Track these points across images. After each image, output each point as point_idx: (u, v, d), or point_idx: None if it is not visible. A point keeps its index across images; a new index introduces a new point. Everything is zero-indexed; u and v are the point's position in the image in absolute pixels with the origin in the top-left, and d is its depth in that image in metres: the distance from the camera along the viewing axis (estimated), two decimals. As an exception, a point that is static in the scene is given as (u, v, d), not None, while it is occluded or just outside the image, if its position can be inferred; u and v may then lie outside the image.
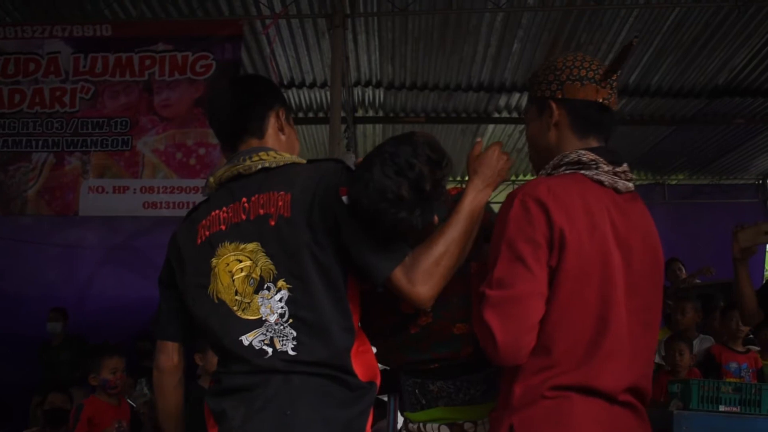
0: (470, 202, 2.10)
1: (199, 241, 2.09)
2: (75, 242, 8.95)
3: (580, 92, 2.06)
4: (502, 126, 9.34)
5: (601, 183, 2.00)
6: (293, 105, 8.85)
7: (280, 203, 1.99)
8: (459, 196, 2.15)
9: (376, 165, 1.85)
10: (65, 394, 5.63)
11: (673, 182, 10.94)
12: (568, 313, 1.87)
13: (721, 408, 4.56)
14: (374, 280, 1.94)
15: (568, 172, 2.02)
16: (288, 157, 2.13)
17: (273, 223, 1.98)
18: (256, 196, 2.04)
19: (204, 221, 2.11)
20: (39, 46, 6.23)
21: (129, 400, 5.46)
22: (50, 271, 9.03)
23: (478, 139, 2.35)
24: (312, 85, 8.31)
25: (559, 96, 2.07)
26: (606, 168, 2.01)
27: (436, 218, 2.04)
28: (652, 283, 2.03)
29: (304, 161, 2.14)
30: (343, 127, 8.56)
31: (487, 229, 2.22)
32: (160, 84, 6.12)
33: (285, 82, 8.20)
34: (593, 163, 2.01)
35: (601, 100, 2.07)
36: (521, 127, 9.21)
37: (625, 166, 2.06)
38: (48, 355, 7.81)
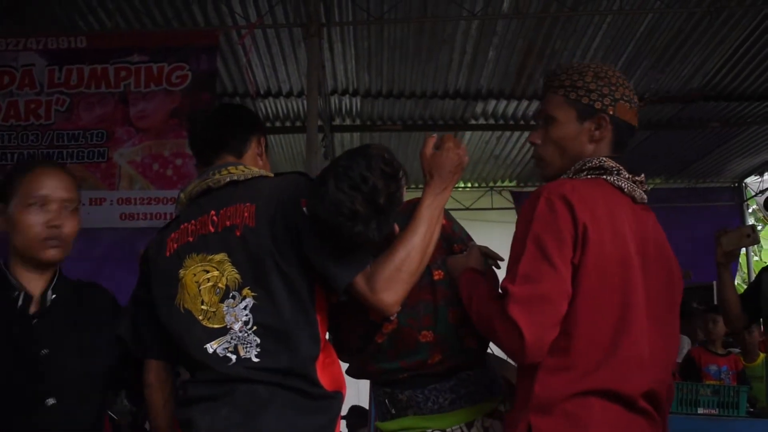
0: (428, 207, 2.09)
1: (168, 253, 2.11)
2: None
3: (628, 114, 2.08)
4: (479, 132, 9.39)
5: (621, 189, 2.01)
6: (270, 114, 8.86)
7: (245, 214, 2.01)
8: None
9: (330, 179, 1.86)
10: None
11: (650, 186, 10.92)
12: (588, 312, 1.87)
13: (700, 410, 4.61)
14: (335, 288, 1.95)
15: (590, 177, 2.03)
16: (256, 171, 2.16)
17: (239, 233, 2.00)
18: (224, 208, 2.06)
19: (173, 234, 2.13)
20: (13, 59, 6.19)
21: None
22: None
23: (432, 135, 2.26)
24: (289, 95, 8.32)
25: (611, 112, 2.06)
26: (626, 175, 2.02)
27: (396, 228, 2.05)
28: (668, 293, 2.03)
29: (272, 174, 2.17)
30: (321, 135, 8.58)
31: (450, 239, 2.23)
32: (135, 95, 6.09)
33: (261, 92, 8.20)
34: (614, 169, 2.02)
35: (635, 125, 2.11)
36: (498, 133, 9.29)
37: (642, 177, 2.08)
38: None
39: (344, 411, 5.47)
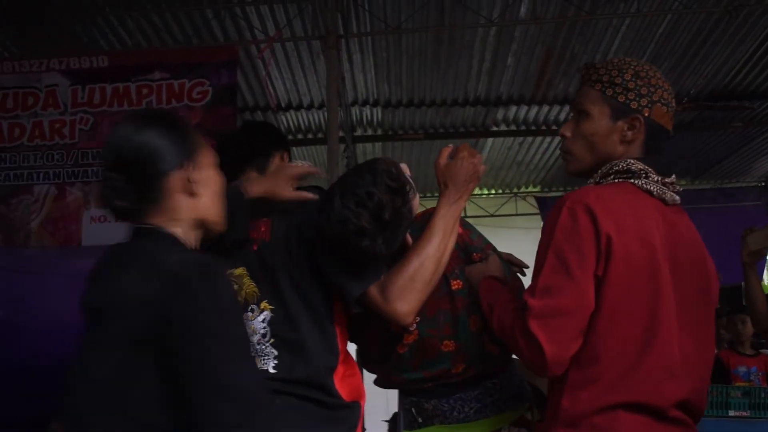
0: (442, 216, 2.10)
1: None
2: (81, 272, 8.95)
3: (664, 118, 2.01)
4: (501, 139, 9.38)
5: (650, 193, 1.95)
6: (291, 127, 8.90)
7: (262, 229, 2.05)
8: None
9: (336, 196, 1.89)
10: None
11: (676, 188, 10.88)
12: (614, 323, 1.84)
13: (731, 413, 4.56)
14: (347, 299, 1.98)
15: (617, 180, 1.99)
16: None
17: (255, 247, 2.04)
18: None
19: None
20: (37, 80, 6.26)
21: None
22: (58, 301, 9.03)
23: (449, 145, 2.26)
24: (310, 107, 8.36)
25: (647, 113, 1.99)
26: (655, 178, 1.97)
27: (410, 238, 2.06)
28: (702, 298, 1.99)
29: None
30: (343, 146, 8.61)
31: (468, 248, 2.23)
32: (157, 112, 6.14)
33: (282, 105, 8.24)
34: (642, 172, 1.96)
35: (670, 129, 2.05)
36: (520, 139, 9.26)
37: (673, 178, 2.02)
38: None
39: (388, 416, 5.50)
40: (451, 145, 2.23)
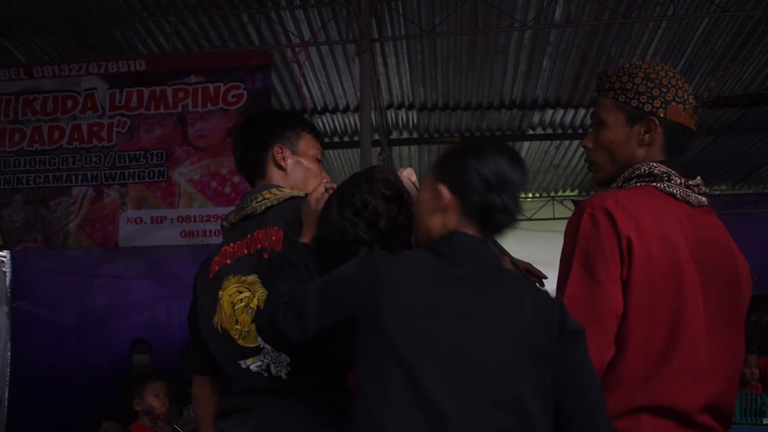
0: None
1: (211, 275, 2.17)
2: (122, 273, 9.11)
3: (682, 116, 1.99)
4: (538, 143, 9.34)
5: (673, 196, 1.94)
6: (327, 129, 8.94)
7: (273, 238, 2.06)
8: None
9: (333, 206, 1.90)
10: (119, 422, 5.67)
11: (717, 192, 10.80)
12: (638, 327, 1.82)
13: (765, 421, 4.50)
14: None
15: (639, 185, 1.97)
16: (288, 192, 2.20)
17: (266, 256, 2.05)
18: (257, 231, 2.11)
19: (216, 257, 2.19)
20: (76, 84, 6.40)
21: (176, 426, 5.51)
22: (99, 301, 9.19)
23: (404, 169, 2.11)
24: (345, 110, 8.40)
25: (662, 114, 1.98)
26: (678, 180, 1.95)
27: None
28: (731, 299, 1.96)
29: (303, 195, 2.18)
30: (379, 149, 8.64)
31: None
32: (193, 115, 6.23)
33: (318, 108, 8.30)
34: (665, 175, 1.94)
35: (693, 127, 2.02)
36: (557, 142, 9.21)
37: (698, 180, 1.99)
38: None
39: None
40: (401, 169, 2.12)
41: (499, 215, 1.70)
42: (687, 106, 2.00)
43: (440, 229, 1.73)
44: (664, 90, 1.99)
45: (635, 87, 2.00)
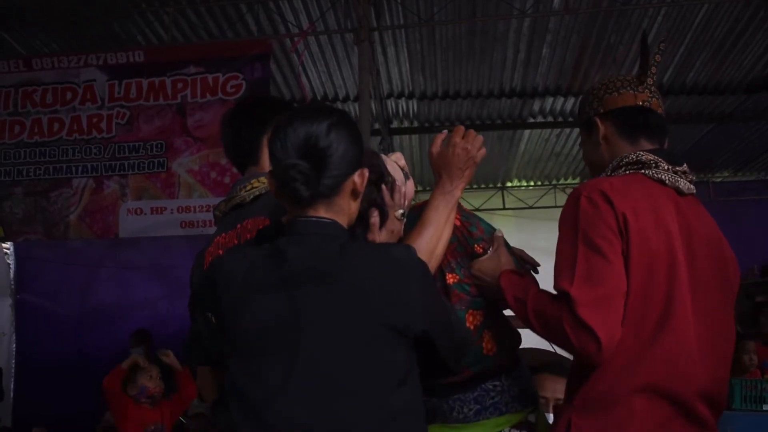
0: (435, 208, 2.05)
1: (205, 267, 2.16)
2: (124, 264, 9.13)
3: (619, 101, 2.13)
4: (539, 131, 9.32)
5: (662, 182, 1.99)
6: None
7: (261, 227, 2.04)
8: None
9: None
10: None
11: (719, 179, 10.77)
12: (634, 306, 1.85)
13: (765, 407, 4.50)
14: None
15: (628, 172, 2.02)
16: None
17: None
18: (246, 220, 2.10)
19: (210, 248, 2.18)
20: (75, 75, 6.39)
21: (181, 418, 5.55)
22: (103, 293, 9.21)
23: (443, 132, 2.18)
24: (345, 99, 8.38)
25: (601, 111, 2.14)
26: (665, 166, 2.01)
27: (401, 231, 2.04)
28: (719, 289, 1.99)
29: None
30: (379, 138, 8.63)
31: (467, 241, 2.18)
32: (192, 106, 6.22)
33: (318, 97, 8.28)
34: (653, 162, 2.01)
35: (641, 103, 2.11)
36: (558, 130, 9.20)
37: (684, 167, 2.06)
38: None
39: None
40: (445, 131, 2.16)
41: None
42: (622, 90, 2.13)
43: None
44: (596, 93, 2.18)
45: (584, 104, 2.22)
